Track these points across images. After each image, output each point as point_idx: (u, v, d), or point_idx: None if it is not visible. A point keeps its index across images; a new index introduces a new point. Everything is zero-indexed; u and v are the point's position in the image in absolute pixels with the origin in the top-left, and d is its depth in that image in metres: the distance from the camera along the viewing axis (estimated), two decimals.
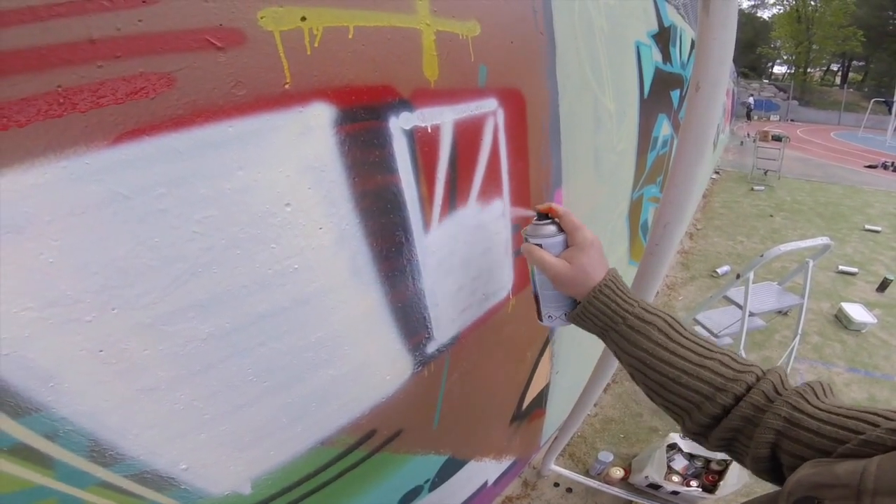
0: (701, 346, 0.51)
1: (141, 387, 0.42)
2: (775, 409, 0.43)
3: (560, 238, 0.60)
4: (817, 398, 0.43)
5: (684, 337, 0.52)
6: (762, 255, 2.07)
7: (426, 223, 0.65)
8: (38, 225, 0.34)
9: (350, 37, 0.49)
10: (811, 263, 2.29)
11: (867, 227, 5.28)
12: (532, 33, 0.82)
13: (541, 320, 0.65)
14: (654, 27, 1.81)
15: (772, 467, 0.44)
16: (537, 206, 0.62)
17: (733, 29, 0.77)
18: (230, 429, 0.51)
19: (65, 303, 0.36)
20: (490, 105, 0.72)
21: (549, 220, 0.61)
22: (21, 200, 0.33)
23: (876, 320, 3.14)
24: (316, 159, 0.48)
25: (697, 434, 0.51)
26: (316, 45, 0.46)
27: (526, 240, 0.62)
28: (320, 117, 0.48)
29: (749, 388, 0.47)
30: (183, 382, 0.45)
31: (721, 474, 1.89)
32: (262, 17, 0.41)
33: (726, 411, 0.47)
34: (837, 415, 0.40)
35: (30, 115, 0.32)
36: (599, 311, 0.55)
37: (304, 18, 0.44)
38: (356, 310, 0.59)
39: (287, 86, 0.44)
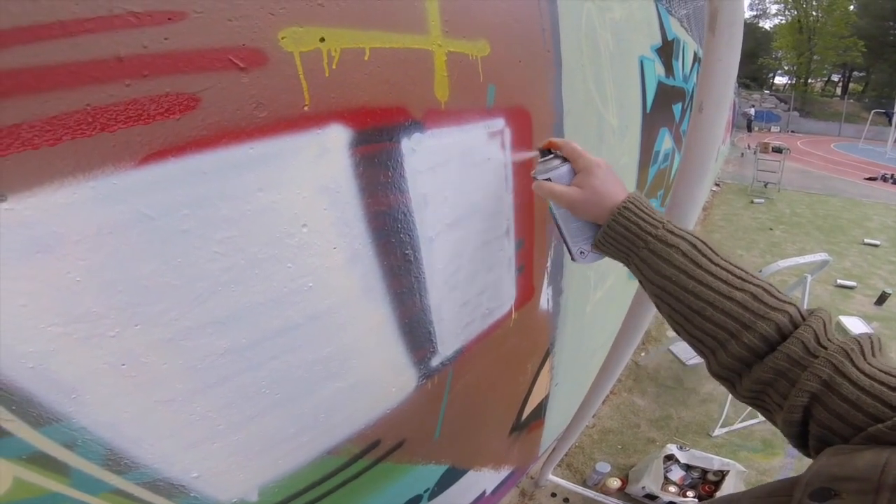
0: (733, 274, 0.45)
1: (159, 398, 0.43)
2: (815, 368, 0.38)
3: (565, 168, 0.60)
4: (864, 358, 0.38)
5: (714, 263, 0.46)
6: (761, 271, 2.09)
7: (434, 242, 0.67)
8: (66, 244, 0.35)
9: (366, 58, 0.50)
10: (809, 278, 2.30)
11: (866, 240, 5.31)
12: (540, 52, 0.84)
13: (574, 259, 0.64)
14: (658, 41, 1.83)
15: (801, 432, 0.40)
16: (537, 146, 0.63)
17: (738, 49, 0.79)
18: (241, 438, 0.52)
19: (90, 319, 0.37)
20: (498, 125, 0.73)
21: (551, 155, 0.61)
22: (51, 220, 0.34)
23: (873, 332, 3.15)
24: (332, 180, 0.50)
25: (725, 379, 0.47)
26: (334, 66, 0.47)
27: (535, 179, 0.62)
28: (337, 139, 0.49)
29: (780, 331, 0.42)
30: (199, 394, 0.46)
31: (717, 485, 1.90)
32: (282, 38, 0.42)
33: (755, 354, 0.43)
34: (881, 383, 0.36)
35: (61, 134, 0.32)
36: (619, 234, 0.52)
37: (322, 39, 0.45)
38: (366, 325, 0.61)
39: (306, 108, 0.45)
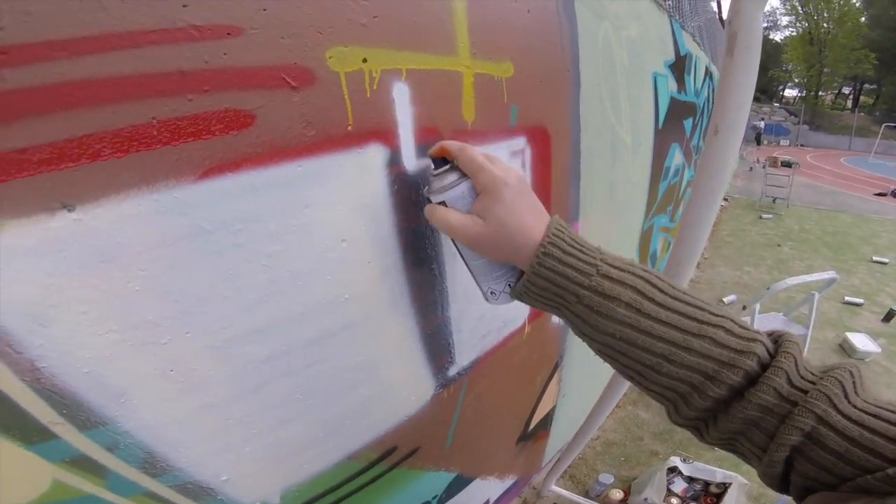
0: (688, 316, 0.38)
1: (201, 403, 0.45)
2: (796, 420, 0.34)
3: (464, 186, 0.45)
4: (848, 401, 0.34)
5: (664, 307, 0.39)
6: (769, 288, 2.10)
7: (457, 257, 0.68)
8: (129, 255, 0.36)
9: (403, 79, 0.52)
10: (817, 296, 2.31)
11: (875, 258, 5.28)
12: (560, 72, 0.86)
13: (486, 300, 0.52)
14: (671, 57, 1.85)
15: (782, 481, 0.37)
16: (429, 151, 0.48)
17: (755, 73, 0.81)
18: (272, 442, 0.53)
19: (145, 327, 0.38)
20: (519, 144, 0.76)
21: (447, 166, 0.46)
22: (116, 231, 0.35)
23: (880, 349, 3.15)
24: (370, 198, 0.52)
25: (690, 427, 0.42)
26: (375, 87, 0.49)
27: (428, 200, 0.48)
28: (375, 158, 0.51)
29: (749, 376, 0.37)
30: (238, 400, 0.47)
31: (720, 497, 1.90)
32: (330, 57, 0.44)
33: (722, 403, 0.38)
34: (871, 430, 0.32)
35: (128, 147, 0.33)
36: (543, 288, 0.41)
37: (365, 60, 0.47)
38: (392, 336, 0.63)
39: (349, 127, 0.47)
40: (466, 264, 0.51)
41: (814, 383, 0.35)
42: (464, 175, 0.46)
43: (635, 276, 0.40)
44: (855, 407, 0.34)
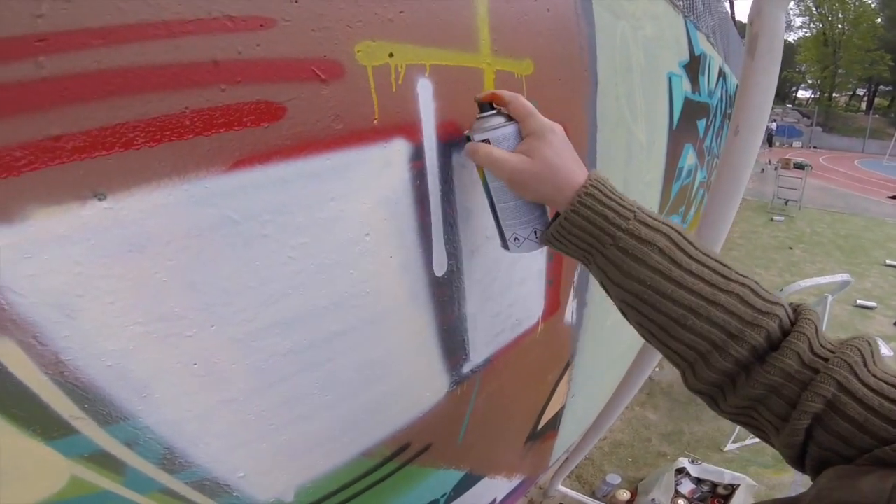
0: (716, 272, 0.39)
1: (222, 398, 0.44)
2: (818, 386, 0.34)
3: (511, 128, 0.48)
4: (867, 370, 0.34)
5: (694, 259, 0.39)
6: (782, 290, 2.08)
7: (475, 254, 0.68)
8: (157, 245, 0.36)
9: (426, 74, 0.52)
10: (830, 299, 2.28)
11: (888, 262, 5.21)
12: (578, 70, 0.86)
13: (505, 247, 0.53)
14: (686, 57, 1.83)
15: (800, 453, 0.37)
16: (477, 96, 0.50)
17: (776, 74, 0.80)
18: (289, 438, 0.53)
19: (170, 319, 0.38)
20: None
21: (493, 111, 0.49)
22: (146, 220, 0.34)
23: (892, 353, 3.12)
24: (392, 192, 0.52)
25: (705, 394, 0.41)
26: (400, 81, 0.49)
27: (469, 139, 0.50)
28: (399, 153, 0.51)
29: (770, 338, 0.37)
30: (258, 394, 0.47)
31: (727, 499, 1.89)
32: (358, 51, 0.44)
33: (741, 366, 0.38)
34: (890, 400, 0.32)
35: (161, 136, 0.33)
36: (580, 227, 0.42)
37: (391, 55, 0.47)
38: (410, 331, 0.63)
39: (375, 122, 0.47)
40: (493, 208, 0.52)
41: (833, 352, 0.36)
42: (510, 119, 0.48)
43: (670, 228, 0.41)
44: (874, 376, 0.34)
